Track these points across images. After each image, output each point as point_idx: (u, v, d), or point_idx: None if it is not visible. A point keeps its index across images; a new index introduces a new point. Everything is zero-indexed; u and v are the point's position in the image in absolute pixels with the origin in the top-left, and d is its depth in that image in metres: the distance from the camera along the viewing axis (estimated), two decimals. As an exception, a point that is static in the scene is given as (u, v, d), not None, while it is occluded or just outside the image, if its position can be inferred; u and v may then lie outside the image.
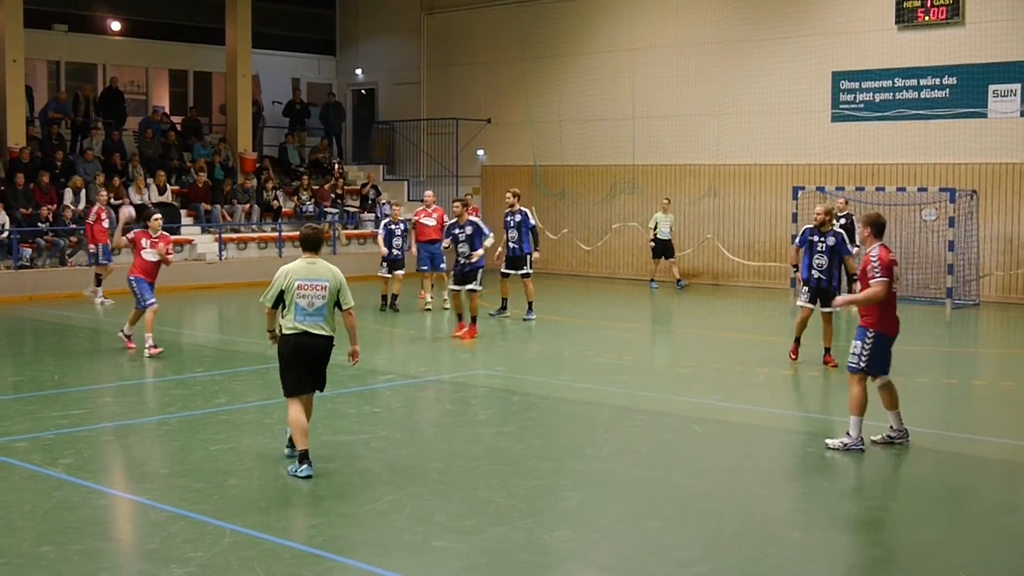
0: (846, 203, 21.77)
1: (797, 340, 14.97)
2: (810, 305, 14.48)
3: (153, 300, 15.58)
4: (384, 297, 20.42)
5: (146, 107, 30.67)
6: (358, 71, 34.30)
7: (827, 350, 14.75)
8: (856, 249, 21.49)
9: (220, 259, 25.88)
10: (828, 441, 10.47)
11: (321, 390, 9.72)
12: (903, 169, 23.64)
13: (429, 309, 20.56)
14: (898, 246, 23.24)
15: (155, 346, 15.36)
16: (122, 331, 16.08)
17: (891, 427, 10.58)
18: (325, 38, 34.85)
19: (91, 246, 22.07)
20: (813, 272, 14.55)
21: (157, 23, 31.11)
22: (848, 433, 10.36)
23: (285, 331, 9.43)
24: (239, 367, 15.09)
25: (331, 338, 9.51)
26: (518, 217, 18.97)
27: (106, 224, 22.01)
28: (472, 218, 17.70)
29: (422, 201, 21.28)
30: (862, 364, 10.36)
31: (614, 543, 7.89)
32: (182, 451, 10.52)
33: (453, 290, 17.47)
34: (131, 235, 15.86)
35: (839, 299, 11.52)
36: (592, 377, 14.25)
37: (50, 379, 14.18)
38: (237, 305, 23.27)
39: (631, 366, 15.24)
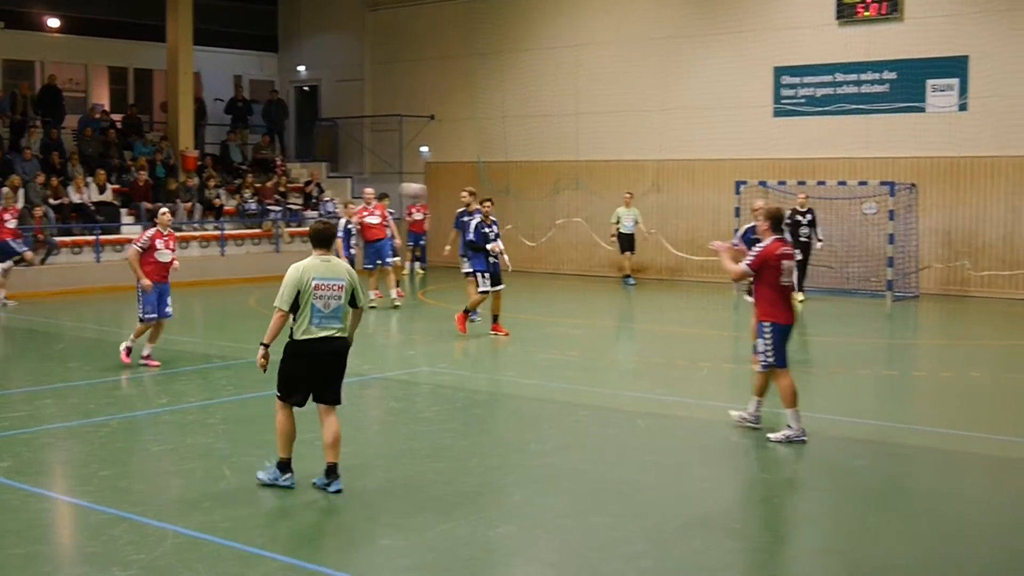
0: (806, 198, 21.72)
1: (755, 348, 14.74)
2: None
3: (169, 312, 14.96)
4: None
5: (85, 105, 30.25)
6: (301, 68, 34.08)
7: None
8: (820, 243, 21.73)
9: (162, 258, 25.54)
10: (770, 434, 10.59)
11: (337, 403, 8.86)
12: (844, 163, 23.91)
13: (374, 306, 20.48)
14: (839, 239, 23.53)
15: (138, 355, 14.75)
16: (136, 352, 14.64)
17: (751, 412, 10.94)
18: (267, 35, 34.59)
19: None
20: None
21: (96, 19, 30.66)
22: (789, 425, 10.50)
23: (297, 336, 8.69)
24: (181, 367, 14.95)
25: (347, 340, 8.84)
26: (477, 217, 18.81)
27: (11, 225, 21.84)
28: (494, 216, 17.49)
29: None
30: (770, 358, 10.54)
31: (559, 538, 7.92)
32: (123, 453, 10.43)
33: (484, 292, 17.01)
34: (149, 234, 14.77)
35: (715, 243, 11.62)
36: (536, 373, 14.28)
37: (-12, 381, 13.99)
38: (178, 304, 22.92)
39: (576, 362, 15.28)
